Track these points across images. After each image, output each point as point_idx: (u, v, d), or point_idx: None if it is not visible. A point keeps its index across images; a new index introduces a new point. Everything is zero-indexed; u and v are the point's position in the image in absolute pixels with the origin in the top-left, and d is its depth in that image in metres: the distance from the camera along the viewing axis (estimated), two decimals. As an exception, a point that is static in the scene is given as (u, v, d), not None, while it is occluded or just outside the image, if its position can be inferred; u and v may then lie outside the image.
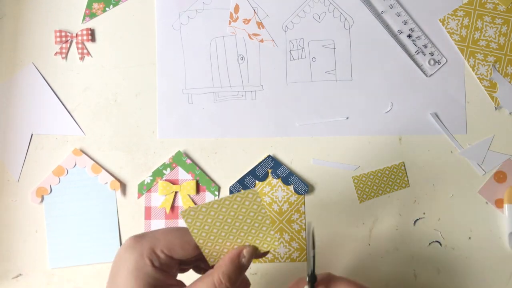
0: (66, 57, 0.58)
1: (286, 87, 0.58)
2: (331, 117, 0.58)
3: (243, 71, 0.58)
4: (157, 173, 0.57)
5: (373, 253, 0.57)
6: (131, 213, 0.57)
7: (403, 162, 0.58)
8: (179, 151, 0.57)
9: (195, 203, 0.57)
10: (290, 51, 0.59)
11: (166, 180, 0.57)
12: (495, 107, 0.58)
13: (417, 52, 0.58)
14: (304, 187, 0.57)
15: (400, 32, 0.58)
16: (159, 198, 0.57)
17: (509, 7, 0.59)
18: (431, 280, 0.56)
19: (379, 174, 0.57)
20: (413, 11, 0.59)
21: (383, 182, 0.57)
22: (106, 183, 0.57)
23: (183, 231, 0.41)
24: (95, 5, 0.59)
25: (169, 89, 0.58)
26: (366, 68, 0.58)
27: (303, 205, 0.57)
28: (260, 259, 0.56)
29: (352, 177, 0.57)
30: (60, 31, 0.58)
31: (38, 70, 0.58)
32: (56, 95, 0.58)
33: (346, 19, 0.59)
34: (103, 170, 0.57)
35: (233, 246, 0.42)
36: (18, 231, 0.57)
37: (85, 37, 0.58)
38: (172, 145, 0.58)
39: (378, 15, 0.58)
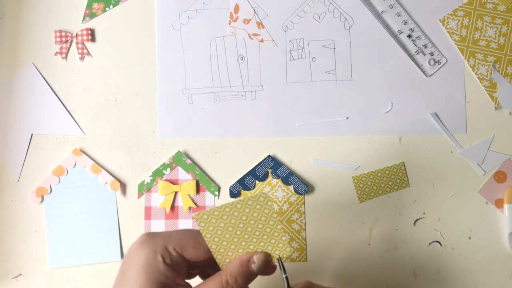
0: (66, 57, 0.58)
1: (286, 87, 0.58)
2: (331, 117, 0.58)
3: (243, 71, 0.58)
4: (157, 173, 0.57)
5: (373, 253, 0.57)
6: (131, 213, 0.57)
7: (403, 162, 0.58)
8: (179, 151, 0.57)
9: (195, 203, 0.57)
10: (290, 51, 0.58)
11: (166, 180, 0.57)
12: (495, 107, 0.58)
13: (417, 52, 0.58)
14: (304, 187, 0.57)
15: (400, 32, 0.58)
16: (159, 198, 0.57)
17: (509, 7, 0.59)
18: (431, 280, 0.56)
19: (379, 174, 0.57)
20: (413, 11, 0.59)
21: (383, 182, 0.57)
22: (106, 183, 0.57)
23: (196, 233, 0.41)
24: (95, 5, 0.59)
25: (169, 89, 0.58)
26: (366, 68, 0.58)
27: (303, 205, 0.57)
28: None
29: (352, 177, 0.57)
30: (60, 31, 0.58)
31: (38, 70, 0.58)
32: (56, 95, 0.58)
33: (346, 19, 0.59)
34: (103, 170, 0.57)
35: (245, 252, 0.41)
36: (18, 231, 0.57)
37: (85, 37, 0.58)
38: (172, 145, 0.58)
39: (378, 15, 0.58)
